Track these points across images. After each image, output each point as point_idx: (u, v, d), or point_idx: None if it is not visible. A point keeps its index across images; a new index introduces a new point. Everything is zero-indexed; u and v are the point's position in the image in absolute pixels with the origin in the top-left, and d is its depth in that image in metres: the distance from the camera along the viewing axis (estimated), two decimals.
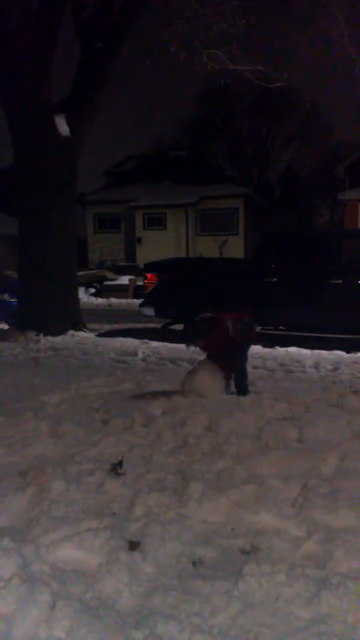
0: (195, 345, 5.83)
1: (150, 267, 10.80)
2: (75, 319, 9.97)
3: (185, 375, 5.58)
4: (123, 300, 17.84)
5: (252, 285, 9.19)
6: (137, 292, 17.26)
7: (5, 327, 10.64)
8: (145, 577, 2.54)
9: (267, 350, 8.02)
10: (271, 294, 9.06)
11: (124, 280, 19.92)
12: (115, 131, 55.21)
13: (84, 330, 9.90)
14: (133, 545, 2.71)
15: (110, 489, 3.33)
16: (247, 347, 5.77)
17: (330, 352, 7.78)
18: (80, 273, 14.34)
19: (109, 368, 7.01)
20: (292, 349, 8.03)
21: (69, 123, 9.55)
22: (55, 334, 9.25)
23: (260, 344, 8.32)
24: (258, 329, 8.34)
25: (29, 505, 3.17)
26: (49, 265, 9.56)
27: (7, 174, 9.99)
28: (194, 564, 2.66)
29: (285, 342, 8.41)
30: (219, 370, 5.47)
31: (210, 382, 5.37)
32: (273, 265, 9.17)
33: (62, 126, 9.49)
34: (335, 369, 6.92)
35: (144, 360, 7.56)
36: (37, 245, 9.59)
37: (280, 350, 7.98)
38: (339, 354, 7.70)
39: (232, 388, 5.59)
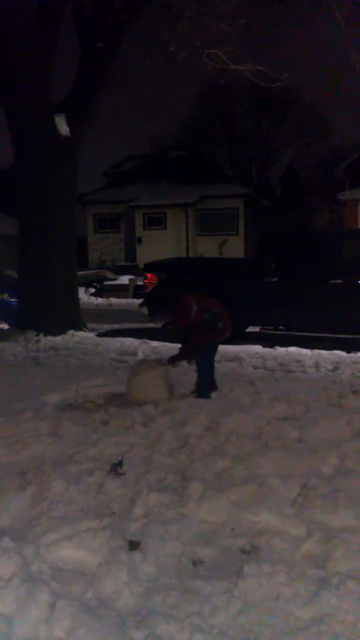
0: (161, 319, 5.72)
1: (150, 267, 10.80)
2: (75, 318, 9.97)
3: (129, 377, 5.36)
4: (123, 300, 17.83)
5: (252, 285, 9.19)
6: (137, 292, 17.25)
7: (5, 327, 10.64)
8: (145, 577, 2.54)
9: (267, 350, 8.03)
10: (271, 294, 9.06)
11: (124, 280, 19.91)
12: (115, 131, 55.25)
13: (84, 330, 9.90)
14: (133, 545, 2.71)
15: (110, 489, 3.33)
16: (213, 345, 5.45)
17: (330, 352, 7.77)
18: (80, 273, 14.34)
19: (109, 368, 7.01)
20: (292, 349, 8.03)
21: (69, 123, 9.55)
22: (55, 334, 9.25)
23: (260, 344, 8.33)
24: (258, 329, 8.27)
25: (29, 505, 3.17)
26: (49, 265, 9.56)
27: (7, 174, 9.98)
28: (194, 563, 2.66)
29: (285, 342, 8.42)
30: (164, 371, 5.28)
31: (156, 384, 5.17)
32: (273, 265, 9.17)
33: (62, 126, 9.49)
34: (335, 369, 6.91)
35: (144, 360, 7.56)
36: (37, 245, 9.59)
37: (280, 350, 7.99)
38: (339, 354, 7.69)
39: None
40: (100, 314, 14.20)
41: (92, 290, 19.17)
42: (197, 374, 5.45)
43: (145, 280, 10.52)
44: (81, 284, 15.27)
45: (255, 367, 7.02)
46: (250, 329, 9.86)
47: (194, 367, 5.80)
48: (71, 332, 9.52)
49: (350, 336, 8.91)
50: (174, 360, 5.42)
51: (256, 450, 3.92)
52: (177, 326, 5.33)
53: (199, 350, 5.37)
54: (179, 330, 5.32)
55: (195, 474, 3.50)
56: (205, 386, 5.41)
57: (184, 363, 6.80)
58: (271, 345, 8.24)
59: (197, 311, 5.20)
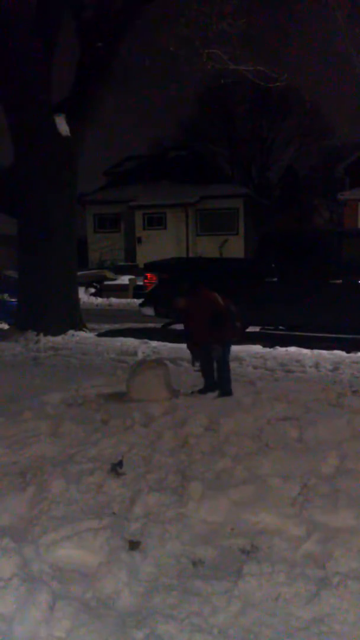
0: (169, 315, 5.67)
1: (150, 267, 10.80)
2: (75, 318, 9.96)
3: (129, 377, 5.39)
4: (123, 300, 17.83)
5: (252, 285, 9.19)
6: (137, 292, 17.25)
7: (5, 327, 10.64)
8: (145, 577, 2.54)
9: (267, 350, 8.02)
10: (271, 294, 9.05)
11: (124, 280, 19.90)
12: (115, 131, 55.19)
13: (84, 330, 9.90)
14: (133, 545, 2.71)
15: (110, 489, 3.33)
16: (229, 344, 5.50)
17: (330, 352, 7.77)
18: (80, 273, 14.32)
19: (109, 368, 7.00)
20: (292, 349, 8.03)
21: (69, 123, 9.55)
22: (55, 333, 9.25)
23: (260, 344, 8.33)
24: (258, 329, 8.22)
25: (29, 505, 3.17)
26: (49, 265, 9.56)
27: (7, 173, 9.97)
28: (194, 563, 2.66)
29: (285, 342, 8.41)
30: (164, 371, 5.32)
31: (156, 384, 5.19)
32: (273, 265, 9.16)
33: (62, 126, 9.49)
34: (335, 369, 6.91)
35: (144, 360, 7.56)
36: (37, 245, 9.59)
37: (280, 350, 7.98)
38: (339, 354, 7.69)
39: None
40: (100, 314, 14.20)
41: (92, 290, 19.16)
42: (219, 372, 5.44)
43: (145, 280, 10.52)
44: (81, 284, 15.26)
45: (255, 367, 7.01)
46: (250, 329, 9.85)
47: (195, 366, 5.80)
48: (71, 332, 9.51)
49: (350, 336, 8.90)
50: (223, 364, 5.41)
51: (256, 450, 3.92)
52: (203, 315, 5.27)
53: (225, 341, 5.43)
54: (205, 322, 5.27)
55: (195, 474, 3.50)
56: (230, 382, 5.45)
57: (185, 363, 6.80)
58: (271, 345, 8.24)
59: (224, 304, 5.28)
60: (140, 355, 7.76)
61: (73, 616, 2.20)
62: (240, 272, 10.03)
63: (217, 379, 5.47)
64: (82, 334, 9.65)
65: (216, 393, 5.41)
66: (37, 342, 8.87)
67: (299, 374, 6.71)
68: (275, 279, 9.09)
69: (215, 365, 5.48)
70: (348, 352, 7.76)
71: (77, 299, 10.50)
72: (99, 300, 18.09)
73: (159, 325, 10.49)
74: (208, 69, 9.86)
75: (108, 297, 18.44)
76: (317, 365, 7.08)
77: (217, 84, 22.16)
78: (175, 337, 8.64)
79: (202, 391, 5.43)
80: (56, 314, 9.58)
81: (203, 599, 2.36)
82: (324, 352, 7.79)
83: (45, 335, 9.13)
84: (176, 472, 3.54)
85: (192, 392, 5.41)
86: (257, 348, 8.12)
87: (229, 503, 3.15)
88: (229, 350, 5.52)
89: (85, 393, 5.57)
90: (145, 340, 8.83)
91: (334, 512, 3.04)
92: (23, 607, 2.23)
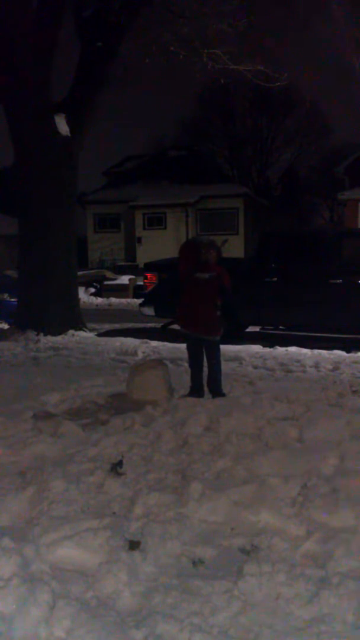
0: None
1: (150, 266, 10.79)
2: (75, 318, 9.97)
3: (129, 377, 5.37)
4: (123, 300, 17.83)
5: (252, 285, 9.18)
6: (137, 291, 17.24)
7: (5, 327, 10.65)
8: (145, 576, 2.54)
9: (267, 350, 8.03)
10: (271, 294, 9.05)
11: (124, 280, 19.89)
12: (115, 131, 55.28)
13: (84, 330, 9.90)
14: (133, 545, 2.71)
15: (110, 489, 3.33)
16: (217, 346, 5.42)
17: (330, 352, 7.77)
18: (80, 273, 14.31)
19: (109, 368, 7.01)
20: (292, 349, 8.03)
21: (69, 123, 9.56)
22: (55, 333, 9.25)
23: (260, 344, 8.33)
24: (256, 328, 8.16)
25: (29, 505, 3.17)
26: (49, 265, 9.56)
27: (8, 174, 9.98)
28: (194, 563, 2.66)
29: (285, 342, 8.41)
30: (164, 371, 5.29)
31: (156, 384, 5.18)
32: (273, 265, 9.16)
33: (62, 126, 9.50)
34: (335, 368, 6.91)
35: (144, 360, 7.55)
36: (37, 245, 9.60)
37: (280, 350, 7.98)
38: (339, 354, 7.69)
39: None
40: (100, 314, 14.20)
41: (92, 290, 19.16)
42: (212, 371, 5.38)
43: (145, 280, 10.51)
44: (81, 284, 15.26)
45: (255, 367, 7.02)
46: (250, 329, 9.85)
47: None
48: (71, 332, 9.52)
49: (350, 336, 8.90)
50: (214, 364, 5.38)
51: (256, 450, 3.92)
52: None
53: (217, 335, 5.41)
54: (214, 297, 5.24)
55: (195, 474, 3.50)
56: (221, 383, 5.40)
57: (185, 363, 6.78)
58: (271, 345, 8.24)
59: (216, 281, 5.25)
60: (140, 355, 7.76)
61: (73, 616, 2.20)
62: (240, 272, 10.01)
63: (207, 379, 5.40)
64: (82, 333, 9.65)
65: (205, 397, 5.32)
66: (37, 342, 8.87)
67: (299, 374, 6.70)
68: (275, 279, 9.09)
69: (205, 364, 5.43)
70: (348, 352, 7.76)
71: (77, 299, 10.50)
72: (99, 300, 18.08)
73: (159, 325, 10.48)
74: (208, 69, 9.86)
75: (108, 297, 18.44)
76: (317, 365, 7.08)
77: (217, 84, 22.15)
78: (175, 337, 8.64)
79: (190, 395, 5.34)
80: (56, 314, 9.58)
81: (203, 599, 2.36)
82: (324, 352, 7.79)
83: (45, 335, 9.14)
84: (176, 472, 3.54)
85: (181, 397, 5.30)
86: (257, 348, 8.13)
87: (229, 503, 3.15)
88: (218, 348, 5.46)
89: (85, 393, 5.57)
90: (145, 340, 8.83)
91: (334, 512, 3.04)
92: (23, 607, 2.23)
